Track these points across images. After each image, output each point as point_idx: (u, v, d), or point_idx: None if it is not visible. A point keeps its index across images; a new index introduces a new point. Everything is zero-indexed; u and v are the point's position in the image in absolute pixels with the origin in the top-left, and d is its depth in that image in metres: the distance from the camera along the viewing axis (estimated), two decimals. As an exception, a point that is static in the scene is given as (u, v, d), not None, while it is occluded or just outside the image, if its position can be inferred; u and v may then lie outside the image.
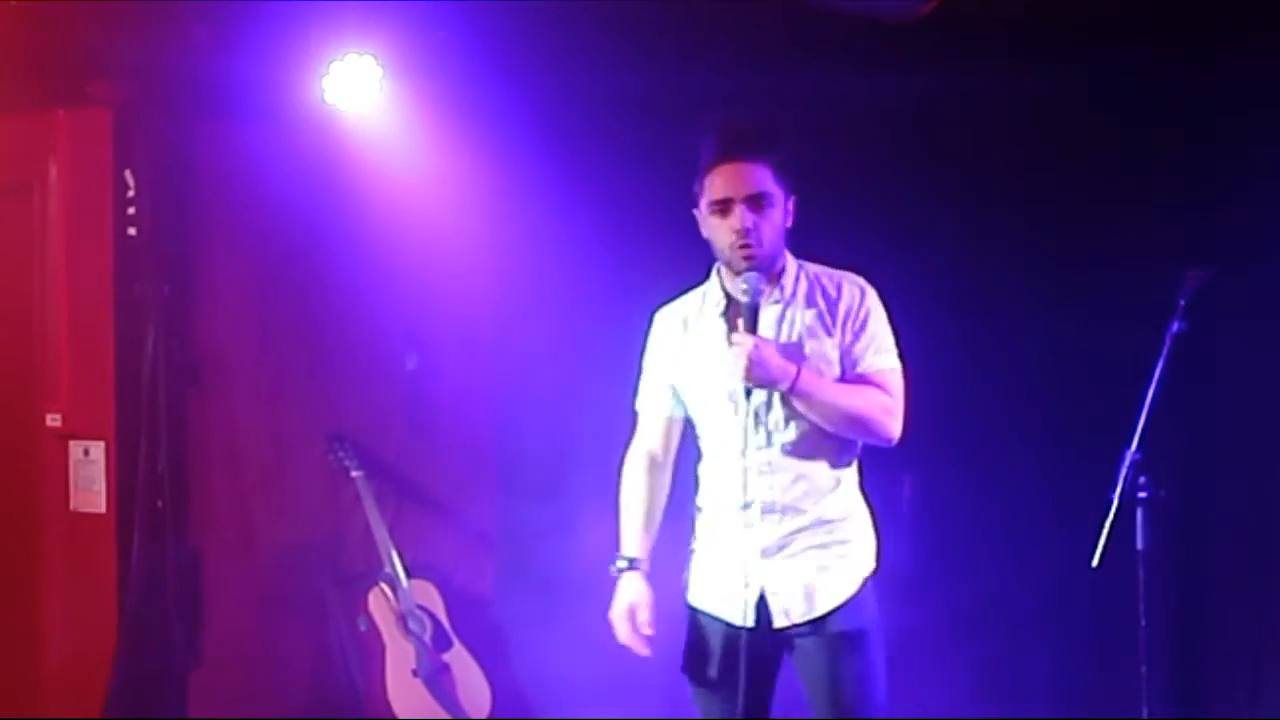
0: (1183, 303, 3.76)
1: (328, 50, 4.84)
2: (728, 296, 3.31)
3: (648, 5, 4.61)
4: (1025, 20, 4.53)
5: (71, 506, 5.15)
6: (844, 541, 3.29)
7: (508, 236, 5.20)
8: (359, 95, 4.90)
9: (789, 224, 3.27)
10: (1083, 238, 4.88)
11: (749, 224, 3.18)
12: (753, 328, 3.16)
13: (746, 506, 3.25)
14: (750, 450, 3.22)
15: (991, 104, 4.73)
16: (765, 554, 3.25)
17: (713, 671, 3.30)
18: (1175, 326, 3.75)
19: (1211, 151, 4.67)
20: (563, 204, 5.06)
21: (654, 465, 3.48)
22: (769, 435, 3.24)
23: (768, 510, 3.24)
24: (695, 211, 3.30)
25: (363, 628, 5.08)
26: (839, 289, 3.30)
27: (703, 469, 3.40)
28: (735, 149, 3.21)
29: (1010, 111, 4.79)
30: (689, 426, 3.45)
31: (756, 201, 3.19)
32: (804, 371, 3.16)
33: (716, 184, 3.22)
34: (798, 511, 3.24)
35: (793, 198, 3.27)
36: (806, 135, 4.12)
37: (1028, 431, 4.95)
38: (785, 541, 3.25)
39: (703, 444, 3.39)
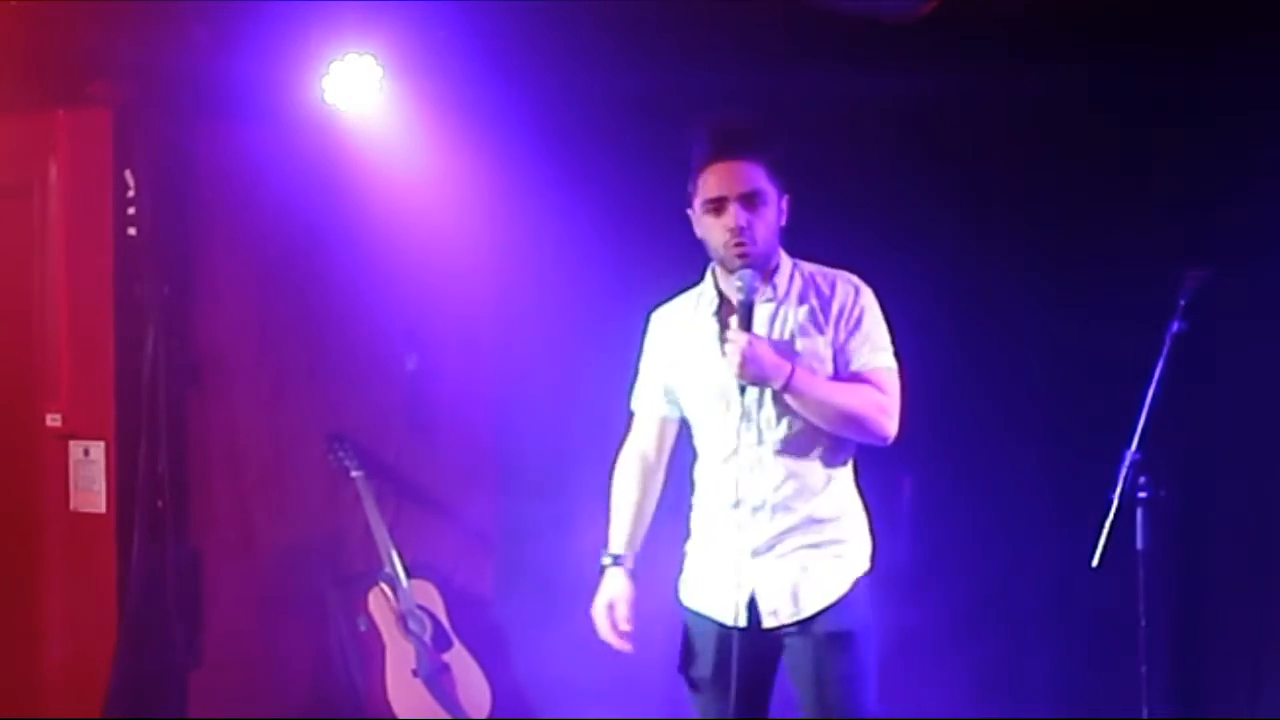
0: (1183, 303, 3.75)
1: (328, 50, 4.85)
2: (721, 296, 3.31)
3: (648, 5, 4.61)
4: (1025, 20, 4.53)
5: (71, 506, 5.15)
6: (837, 541, 3.27)
7: (508, 236, 5.20)
8: (359, 95, 4.91)
9: (783, 223, 3.27)
10: (1083, 238, 4.88)
11: (743, 222, 3.18)
12: (747, 325, 3.15)
13: (737, 505, 3.25)
14: (741, 448, 3.22)
15: (991, 104, 4.73)
16: (755, 554, 3.24)
17: (707, 672, 3.30)
18: (1175, 326, 3.74)
19: (1211, 151, 4.66)
20: (563, 204, 5.06)
21: (646, 465, 3.48)
22: (760, 433, 3.23)
23: (758, 509, 3.24)
24: (689, 211, 3.30)
25: (363, 628, 5.09)
26: (832, 287, 3.29)
27: (698, 470, 3.40)
28: (728, 148, 3.21)
29: (1010, 111, 4.79)
30: (685, 428, 3.44)
31: (750, 200, 3.19)
32: (798, 369, 3.15)
33: (710, 183, 3.22)
34: (788, 510, 3.23)
35: (786, 197, 3.26)
36: (807, 135, 4.13)
37: (1028, 431, 4.95)
38: (775, 541, 3.24)
39: (697, 443, 3.39)
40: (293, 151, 5.14)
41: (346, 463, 5.17)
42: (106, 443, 5.10)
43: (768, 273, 3.26)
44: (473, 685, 5.10)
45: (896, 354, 3.31)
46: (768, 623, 3.24)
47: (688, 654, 3.36)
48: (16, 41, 4.60)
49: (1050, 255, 4.92)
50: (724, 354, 3.17)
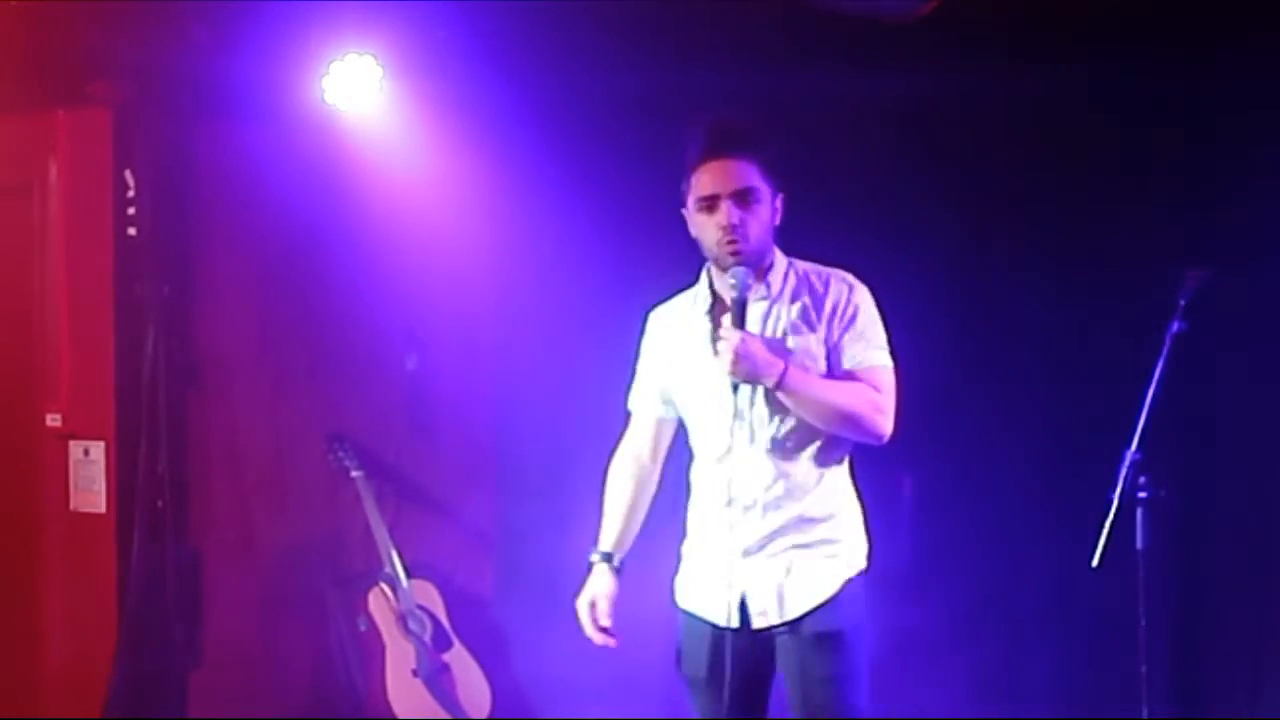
0: (1183, 303, 3.74)
1: (328, 50, 4.85)
2: (714, 294, 3.30)
3: (648, 5, 4.61)
4: (1025, 20, 4.53)
5: (71, 506, 5.15)
6: (829, 541, 3.25)
7: (508, 236, 5.20)
8: (359, 95, 4.91)
9: (777, 222, 3.26)
10: (1083, 238, 4.88)
11: (735, 220, 3.17)
12: (740, 323, 3.14)
13: (729, 505, 3.23)
14: (735, 448, 3.21)
15: (991, 104, 4.73)
16: (747, 553, 3.23)
17: (703, 673, 3.29)
18: (1175, 326, 3.74)
19: (1211, 151, 4.67)
20: (563, 204, 5.05)
21: (640, 465, 3.48)
22: (753, 433, 3.22)
23: (749, 508, 3.22)
24: (683, 211, 3.30)
25: (363, 628, 5.09)
26: (826, 284, 3.28)
27: (693, 470, 3.39)
28: (721, 146, 3.21)
29: (1010, 111, 4.79)
30: (682, 428, 3.44)
31: (743, 197, 3.18)
32: (791, 367, 3.14)
33: (703, 180, 3.21)
34: (778, 509, 3.22)
35: (780, 195, 3.25)
36: (807, 135, 4.14)
37: (1027, 431, 4.95)
38: (767, 541, 3.22)
39: (692, 443, 3.39)
40: (293, 151, 5.14)
41: (346, 463, 5.17)
42: (106, 443, 5.10)
43: (762, 271, 3.25)
44: (473, 685, 5.10)
45: (895, 353, 3.29)
46: (757, 623, 3.23)
47: (683, 654, 3.36)
48: (16, 41, 4.60)
49: (1050, 255, 4.92)
50: (716, 352, 3.16)
